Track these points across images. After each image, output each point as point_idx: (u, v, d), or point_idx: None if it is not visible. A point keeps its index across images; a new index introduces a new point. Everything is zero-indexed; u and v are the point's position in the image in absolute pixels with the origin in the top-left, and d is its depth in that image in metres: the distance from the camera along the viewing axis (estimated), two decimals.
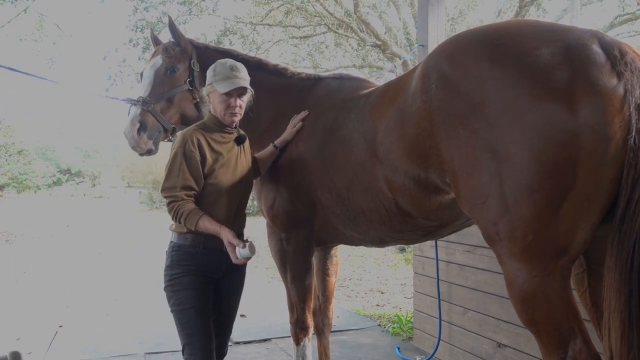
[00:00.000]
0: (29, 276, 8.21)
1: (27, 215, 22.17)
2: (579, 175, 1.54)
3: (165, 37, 3.02)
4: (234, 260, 2.26)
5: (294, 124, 2.72)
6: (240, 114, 2.49)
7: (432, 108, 1.85)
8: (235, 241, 2.23)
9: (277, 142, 2.72)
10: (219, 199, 2.40)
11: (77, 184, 55.16)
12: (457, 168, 1.78)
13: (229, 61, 2.44)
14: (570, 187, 1.55)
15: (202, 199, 2.39)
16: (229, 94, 2.39)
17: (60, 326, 5.09)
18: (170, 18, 2.95)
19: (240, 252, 2.23)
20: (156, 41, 3.03)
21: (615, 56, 1.57)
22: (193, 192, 2.34)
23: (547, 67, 1.59)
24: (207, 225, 2.28)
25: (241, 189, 2.51)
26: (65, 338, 4.72)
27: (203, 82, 2.68)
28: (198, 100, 2.84)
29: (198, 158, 2.34)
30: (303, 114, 2.73)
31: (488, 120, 1.66)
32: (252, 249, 2.23)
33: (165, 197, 2.35)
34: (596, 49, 1.59)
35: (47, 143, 55.53)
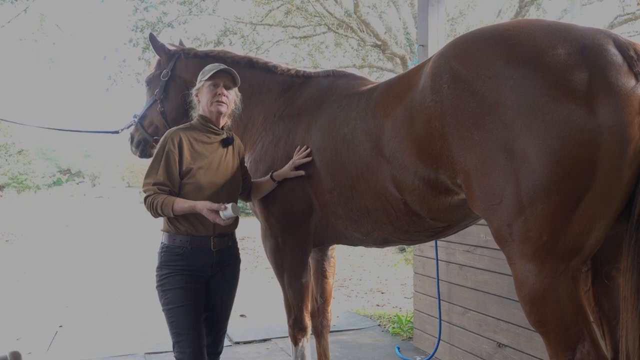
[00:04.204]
0: (29, 276, 8.20)
1: (27, 215, 22.16)
2: (597, 177, 1.52)
3: (166, 37, 3.05)
4: (221, 223, 2.30)
5: (295, 163, 2.56)
6: (227, 106, 2.51)
7: (444, 108, 1.82)
8: (215, 206, 2.27)
9: (275, 175, 2.60)
10: (198, 199, 2.40)
11: (77, 184, 55.25)
12: (471, 169, 1.75)
13: (216, 63, 2.56)
14: (587, 188, 1.54)
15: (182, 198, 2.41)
16: (215, 84, 2.46)
17: (60, 326, 5.09)
18: (151, 34, 3.21)
19: (224, 214, 2.26)
20: (156, 47, 3.18)
21: (632, 57, 1.56)
22: (167, 188, 2.38)
23: (565, 67, 1.57)
24: (182, 205, 2.31)
25: (225, 191, 2.49)
26: (65, 338, 4.71)
27: (176, 89, 3.02)
28: (163, 108, 3.06)
29: (176, 157, 2.39)
30: (305, 152, 2.55)
31: (504, 121, 1.64)
32: (235, 209, 2.27)
33: (144, 191, 2.42)
34: (612, 49, 1.58)
35: (47, 143, 55.50)
